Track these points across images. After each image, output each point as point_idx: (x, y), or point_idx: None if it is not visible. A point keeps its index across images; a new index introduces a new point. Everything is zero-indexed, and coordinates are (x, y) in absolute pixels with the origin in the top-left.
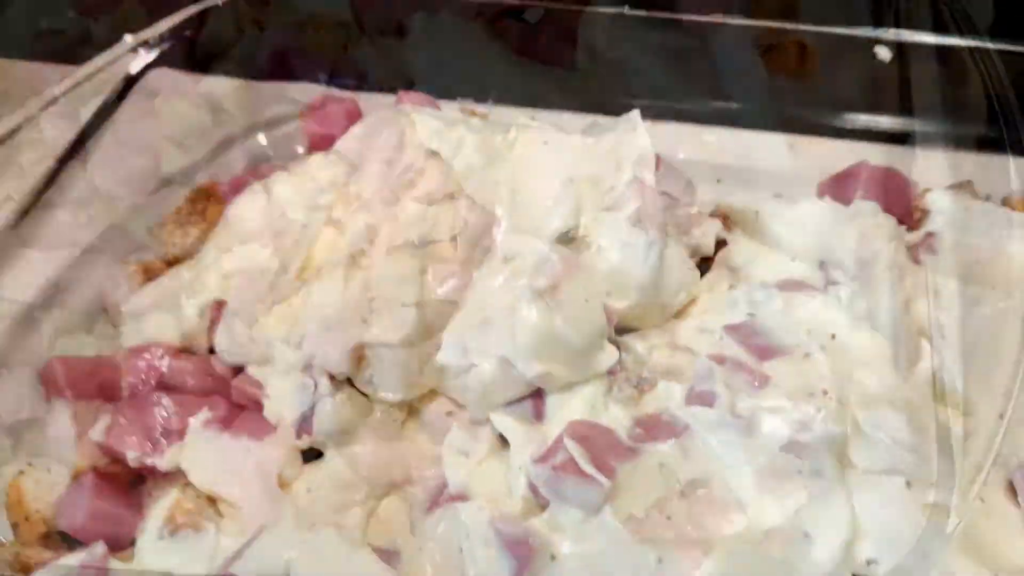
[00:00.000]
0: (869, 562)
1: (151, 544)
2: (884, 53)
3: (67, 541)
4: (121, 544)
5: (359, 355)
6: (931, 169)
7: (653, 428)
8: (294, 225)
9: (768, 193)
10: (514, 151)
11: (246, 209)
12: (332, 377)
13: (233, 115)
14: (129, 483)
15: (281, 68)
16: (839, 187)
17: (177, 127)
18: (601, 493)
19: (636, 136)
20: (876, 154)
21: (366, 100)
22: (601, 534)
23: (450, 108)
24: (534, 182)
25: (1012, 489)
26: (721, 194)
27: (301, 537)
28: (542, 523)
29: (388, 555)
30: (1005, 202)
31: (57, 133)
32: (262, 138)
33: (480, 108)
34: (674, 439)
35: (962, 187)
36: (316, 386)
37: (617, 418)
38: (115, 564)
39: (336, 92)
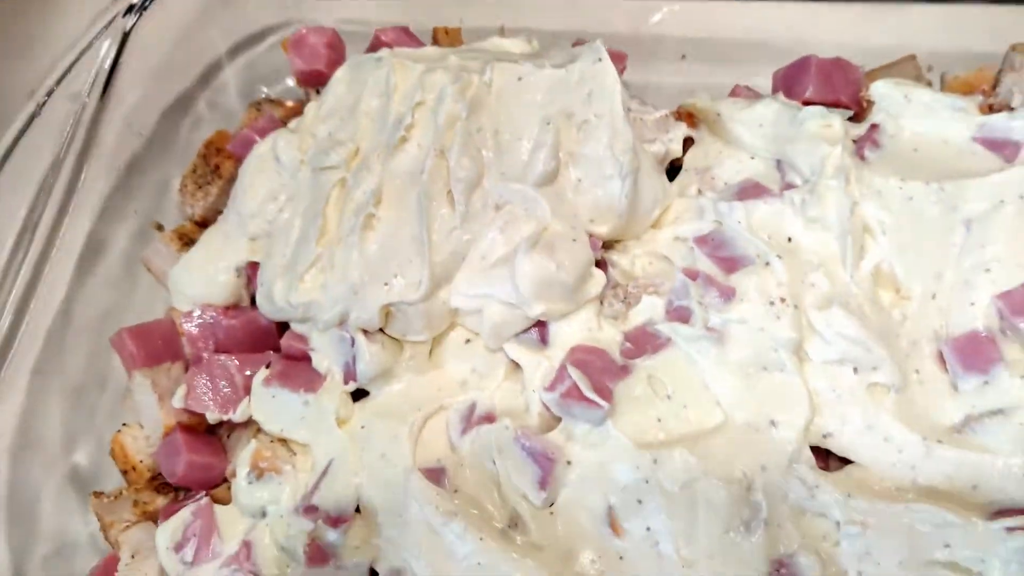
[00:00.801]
0: (825, 435)
1: (244, 490)
2: None
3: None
4: (214, 482)
5: (386, 311)
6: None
7: (641, 341)
8: (303, 186)
9: (731, 71)
10: (492, 91)
11: (258, 178)
12: (365, 330)
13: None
14: (209, 430)
15: None
16: (790, 81)
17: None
18: (602, 413)
19: (602, 67)
20: (832, 17)
21: (345, 27)
22: (607, 441)
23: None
24: (514, 123)
25: (942, 358)
26: (686, 75)
27: (363, 465)
28: (557, 435)
29: (435, 472)
30: (944, 80)
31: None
32: (247, 62)
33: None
34: (659, 352)
35: (905, 63)
36: (353, 340)
37: (610, 335)
38: (219, 509)
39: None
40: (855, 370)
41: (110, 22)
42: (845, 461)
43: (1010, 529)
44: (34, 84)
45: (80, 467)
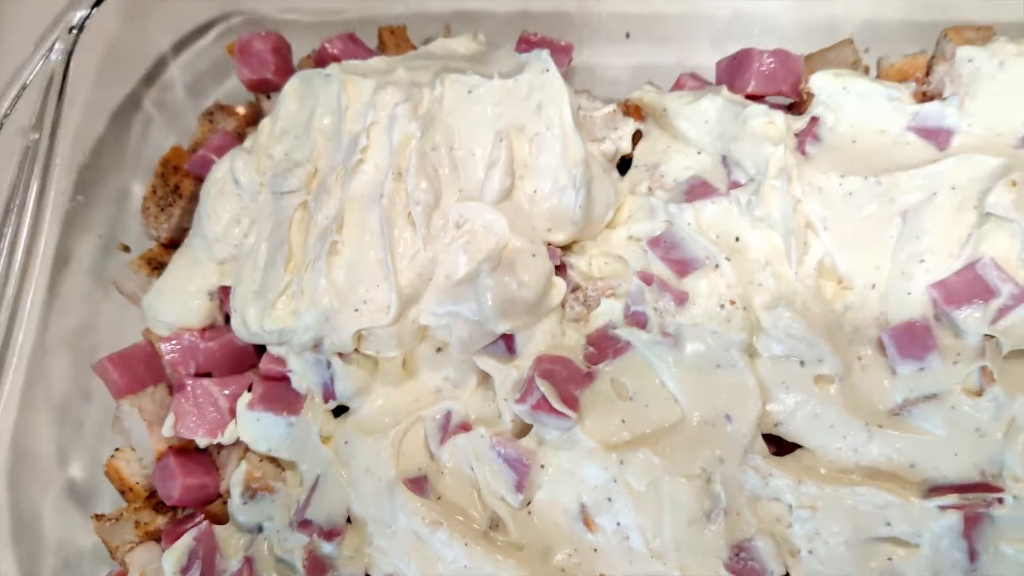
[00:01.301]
0: (776, 424)
1: (238, 509)
2: None
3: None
4: (209, 500)
5: (358, 334)
6: None
7: (602, 345)
8: (265, 210)
9: (674, 49)
10: (443, 106)
11: (220, 202)
12: (340, 353)
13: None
14: (199, 449)
15: None
16: (733, 72)
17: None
18: (570, 421)
19: (550, 78)
20: None
21: (291, 33)
22: (576, 445)
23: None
24: (467, 138)
25: (882, 345)
26: (630, 55)
27: (350, 480)
28: (530, 440)
29: (418, 481)
30: (880, 66)
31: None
32: (192, 57)
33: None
34: (619, 356)
35: (843, 46)
36: (329, 363)
37: (573, 339)
38: (218, 529)
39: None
40: (802, 363)
41: (52, 44)
42: (795, 448)
43: (943, 508)
44: None
45: (76, 480)
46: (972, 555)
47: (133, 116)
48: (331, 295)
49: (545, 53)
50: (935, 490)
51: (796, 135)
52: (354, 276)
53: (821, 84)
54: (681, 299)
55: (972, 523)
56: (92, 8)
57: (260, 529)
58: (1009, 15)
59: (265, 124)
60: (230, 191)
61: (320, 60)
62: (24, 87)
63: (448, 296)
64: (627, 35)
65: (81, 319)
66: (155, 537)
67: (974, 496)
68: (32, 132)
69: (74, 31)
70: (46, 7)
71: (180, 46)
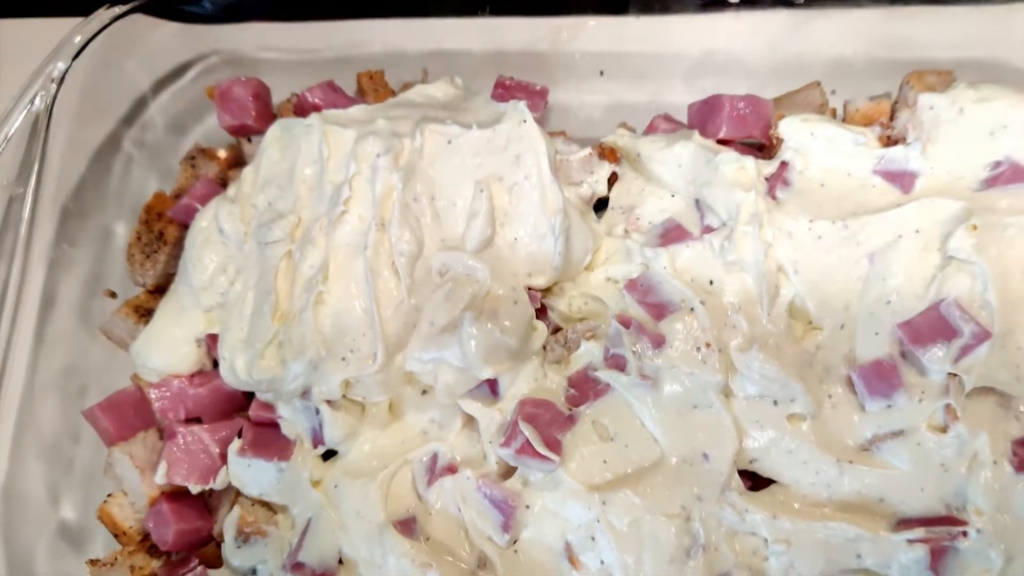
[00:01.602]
0: (752, 461)
1: (232, 553)
2: None
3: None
4: (203, 543)
5: (346, 382)
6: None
7: (583, 387)
8: (251, 259)
9: (647, 86)
10: (423, 156)
11: (205, 251)
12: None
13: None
14: (192, 496)
15: None
16: (705, 118)
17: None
18: (553, 465)
19: (527, 128)
20: (741, 27)
21: (269, 72)
22: (560, 486)
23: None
24: (448, 187)
25: (851, 383)
26: (604, 92)
27: (340, 522)
28: (515, 481)
29: (407, 522)
30: (847, 109)
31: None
32: (172, 99)
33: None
34: (600, 398)
35: (810, 88)
36: (318, 410)
37: (555, 381)
38: (213, 574)
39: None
40: (775, 403)
41: (34, 96)
42: (770, 482)
43: (910, 541)
44: None
45: (68, 521)
46: None
47: (114, 156)
48: (318, 345)
49: (522, 104)
50: (903, 523)
51: (766, 179)
52: (340, 325)
53: (790, 130)
54: (658, 342)
55: (938, 556)
56: (72, 60)
57: (254, 572)
58: (967, 52)
59: (247, 173)
60: (215, 240)
61: (300, 108)
62: (7, 140)
63: (433, 343)
64: (600, 73)
65: (68, 360)
66: None
67: (940, 529)
68: (16, 186)
69: (54, 83)
70: (26, 58)
71: (159, 86)
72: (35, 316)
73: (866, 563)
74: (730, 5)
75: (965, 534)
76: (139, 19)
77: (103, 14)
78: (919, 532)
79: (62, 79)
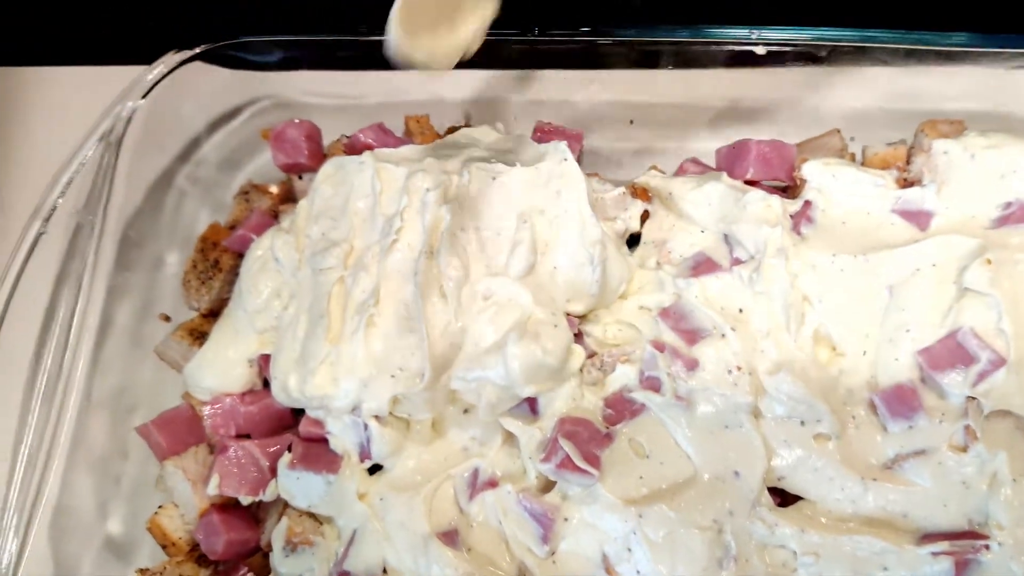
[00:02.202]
0: (780, 478)
1: (280, 562)
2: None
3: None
4: (250, 553)
5: (394, 400)
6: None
7: (619, 407)
8: (304, 285)
9: (674, 134)
10: (471, 191)
11: (260, 278)
12: (375, 416)
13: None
14: (241, 507)
15: None
16: (732, 161)
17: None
18: (593, 479)
19: (568, 167)
20: (764, 83)
21: (317, 115)
22: (598, 500)
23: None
24: (493, 220)
25: (874, 406)
26: (635, 139)
27: (385, 534)
28: (554, 496)
29: (450, 534)
30: (865, 154)
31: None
32: (225, 138)
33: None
34: (635, 417)
35: (830, 135)
36: (366, 425)
37: (592, 402)
38: None
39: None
40: (802, 423)
41: (105, 132)
42: (798, 498)
43: (935, 553)
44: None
45: (114, 535)
46: None
47: (167, 191)
48: (369, 364)
49: (563, 144)
50: (927, 537)
51: (791, 217)
52: (390, 347)
53: (812, 172)
54: (691, 365)
55: (962, 568)
56: (141, 98)
57: None
58: (977, 104)
59: (302, 207)
60: (271, 268)
61: (352, 147)
62: (81, 166)
63: (477, 363)
64: (631, 122)
65: (120, 381)
66: None
67: (963, 543)
68: (86, 213)
69: (124, 120)
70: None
71: (213, 127)
72: (93, 339)
73: (892, 575)
74: (755, 62)
75: (988, 548)
76: (199, 65)
77: (170, 58)
78: (943, 545)
79: (130, 117)
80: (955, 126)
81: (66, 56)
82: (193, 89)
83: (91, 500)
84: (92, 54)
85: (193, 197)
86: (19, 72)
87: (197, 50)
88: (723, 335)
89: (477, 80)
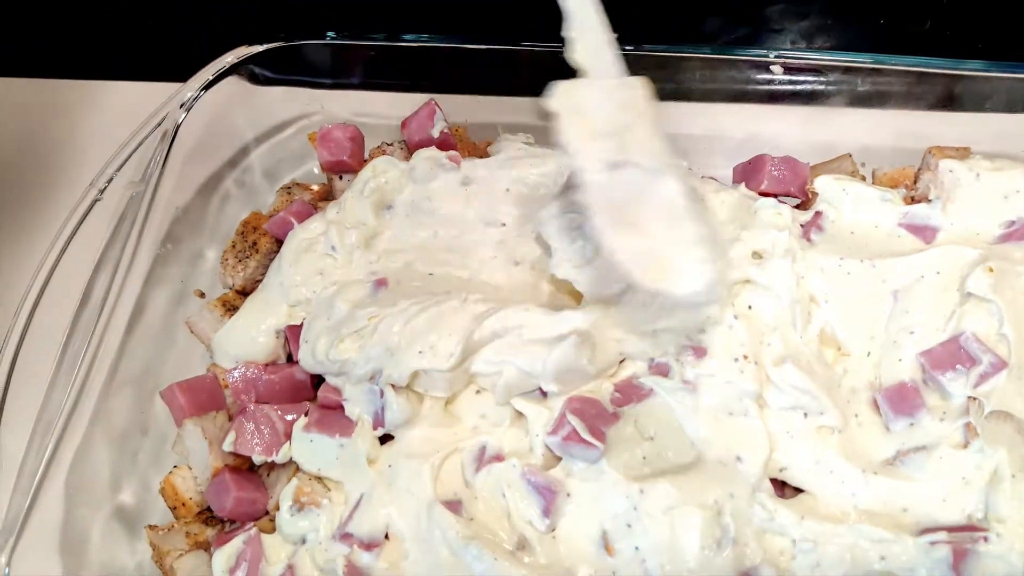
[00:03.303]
0: (782, 469)
1: (287, 521)
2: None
3: (216, 515)
4: (258, 515)
5: (414, 372)
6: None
7: (628, 392)
8: (341, 264)
9: (692, 163)
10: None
11: (303, 256)
12: (393, 384)
13: (240, 128)
14: (251, 470)
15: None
16: (748, 174)
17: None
18: (598, 453)
19: None
20: (780, 118)
21: (357, 119)
22: (601, 476)
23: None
24: None
25: (877, 404)
26: None
27: (391, 499)
28: (558, 471)
29: (453, 504)
30: (875, 175)
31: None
32: (271, 147)
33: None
34: (643, 401)
35: (842, 159)
36: (382, 392)
37: (602, 386)
38: (265, 538)
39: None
40: (805, 415)
41: (162, 120)
42: (799, 490)
43: (933, 543)
44: (93, 174)
45: (125, 505)
46: None
47: (214, 191)
48: (402, 336)
49: None
50: (926, 531)
51: (802, 226)
52: (433, 325)
53: (824, 186)
54: (700, 353)
55: (960, 558)
56: (201, 91)
57: (304, 541)
58: (983, 146)
59: (348, 195)
60: (316, 249)
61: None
62: (140, 143)
63: (511, 350)
64: None
65: (147, 361)
66: (203, 547)
67: (962, 535)
68: (138, 185)
69: (183, 109)
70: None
71: (263, 137)
72: (127, 319)
73: (890, 565)
74: (772, 99)
75: (986, 539)
76: (250, 76)
77: (221, 65)
78: (942, 535)
79: (190, 107)
80: (961, 152)
81: (133, 72)
82: (246, 100)
83: (106, 472)
84: (158, 71)
85: (237, 200)
86: (88, 85)
87: (255, 50)
88: (731, 326)
89: (506, 104)
